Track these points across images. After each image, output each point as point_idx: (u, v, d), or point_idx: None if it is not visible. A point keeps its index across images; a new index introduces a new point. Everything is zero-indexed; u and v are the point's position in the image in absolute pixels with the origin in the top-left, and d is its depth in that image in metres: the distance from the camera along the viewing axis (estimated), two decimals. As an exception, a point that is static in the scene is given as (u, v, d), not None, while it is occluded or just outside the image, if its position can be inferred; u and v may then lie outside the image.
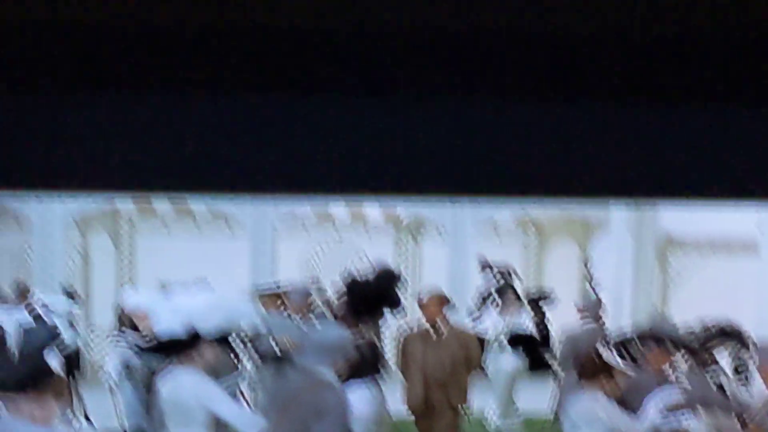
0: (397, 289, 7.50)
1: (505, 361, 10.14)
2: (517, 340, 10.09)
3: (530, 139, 1.76)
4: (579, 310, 9.21)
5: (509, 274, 10.91)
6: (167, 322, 5.35)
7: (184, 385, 5.19)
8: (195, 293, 6.13)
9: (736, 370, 7.41)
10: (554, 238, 15.26)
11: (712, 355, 7.05)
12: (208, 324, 5.33)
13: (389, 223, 15.23)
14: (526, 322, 10.40)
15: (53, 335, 3.88)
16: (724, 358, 7.33)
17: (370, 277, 7.40)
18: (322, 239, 15.10)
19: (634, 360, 5.98)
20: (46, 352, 3.85)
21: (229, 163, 1.78)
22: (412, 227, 15.05)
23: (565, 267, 14.53)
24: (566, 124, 1.76)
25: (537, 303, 12.11)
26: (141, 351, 6.11)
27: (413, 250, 15.18)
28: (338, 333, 5.41)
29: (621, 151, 1.76)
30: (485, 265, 11.10)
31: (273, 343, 7.50)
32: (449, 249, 11.93)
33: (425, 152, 1.78)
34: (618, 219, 12.26)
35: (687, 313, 8.00)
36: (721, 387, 6.62)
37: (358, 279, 7.42)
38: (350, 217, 15.00)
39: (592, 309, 9.17)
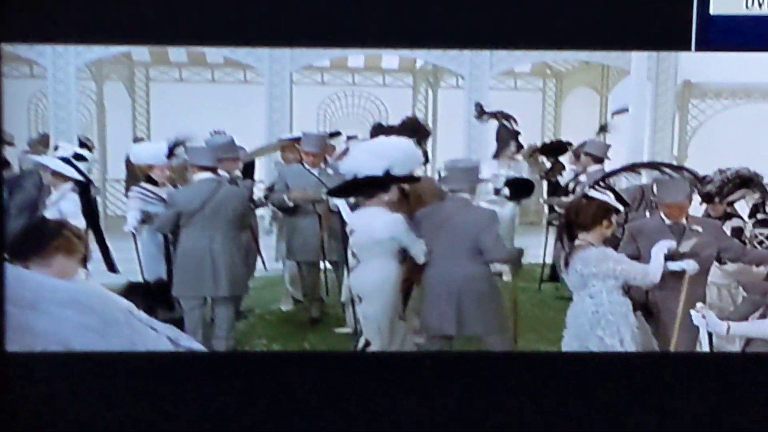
0: (423, 142, 6.96)
1: (502, 210, 9.46)
2: (515, 188, 9.40)
3: None
4: (585, 153, 8.46)
5: (507, 121, 10.08)
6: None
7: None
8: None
9: (756, 219, 6.88)
10: (573, 86, 14.38)
11: (731, 203, 6.61)
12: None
13: (406, 72, 14.33)
14: (525, 171, 9.65)
15: (36, 185, 3.37)
16: (742, 206, 6.91)
17: (397, 126, 6.78)
18: (339, 89, 14.28)
19: (621, 198, 5.55)
20: (37, 206, 3.33)
21: (246, 14, 2.04)
22: (430, 76, 14.13)
23: (583, 115, 13.64)
24: None
25: (554, 153, 11.40)
26: (157, 201, 6.15)
27: (431, 98, 14.27)
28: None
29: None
30: (481, 112, 10.30)
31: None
32: (467, 99, 11.08)
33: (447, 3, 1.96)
34: (638, 65, 11.42)
35: (706, 161, 7.46)
36: (738, 235, 6.30)
37: (385, 127, 6.84)
38: (366, 65, 14.08)
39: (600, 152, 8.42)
